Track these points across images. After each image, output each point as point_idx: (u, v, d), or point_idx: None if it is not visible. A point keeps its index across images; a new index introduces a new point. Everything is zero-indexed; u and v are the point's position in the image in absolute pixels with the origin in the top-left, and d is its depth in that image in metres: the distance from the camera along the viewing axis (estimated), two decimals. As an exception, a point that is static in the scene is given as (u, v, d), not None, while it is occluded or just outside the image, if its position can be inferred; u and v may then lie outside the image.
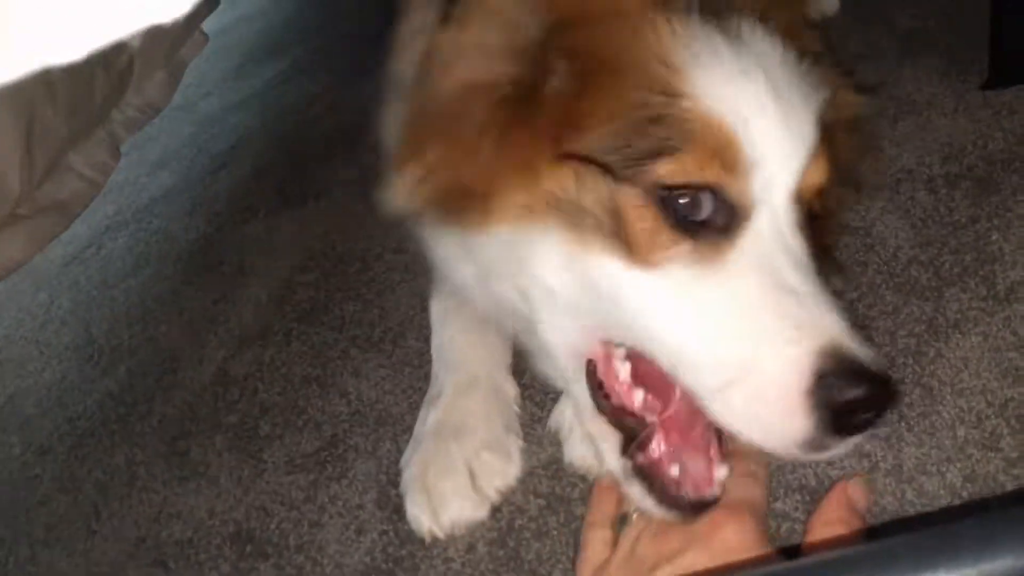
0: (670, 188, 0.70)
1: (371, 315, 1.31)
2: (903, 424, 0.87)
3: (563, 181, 0.73)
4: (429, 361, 1.14)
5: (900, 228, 1.06)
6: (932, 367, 0.91)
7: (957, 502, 0.79)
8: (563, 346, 0.82)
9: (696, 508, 0.75)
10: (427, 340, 1.15)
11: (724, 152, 0.70)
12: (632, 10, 0.73)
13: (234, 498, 1.11)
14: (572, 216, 0.74)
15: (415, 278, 1.29)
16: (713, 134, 0.70)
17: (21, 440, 1.34)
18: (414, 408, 1.11)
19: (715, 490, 0.76)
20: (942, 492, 0.80)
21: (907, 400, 0.89)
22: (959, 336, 0.93)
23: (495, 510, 0.95)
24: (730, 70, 0.71)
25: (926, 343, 0.93)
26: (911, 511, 0.80)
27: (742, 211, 0.72)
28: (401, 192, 0.79)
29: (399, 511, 0.99)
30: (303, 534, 1.02)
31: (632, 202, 0.71)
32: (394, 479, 1.03)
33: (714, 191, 0.71)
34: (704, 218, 0.71)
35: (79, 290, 1.66)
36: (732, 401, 0.70)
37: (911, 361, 0.92)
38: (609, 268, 0.73)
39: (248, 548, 1.04)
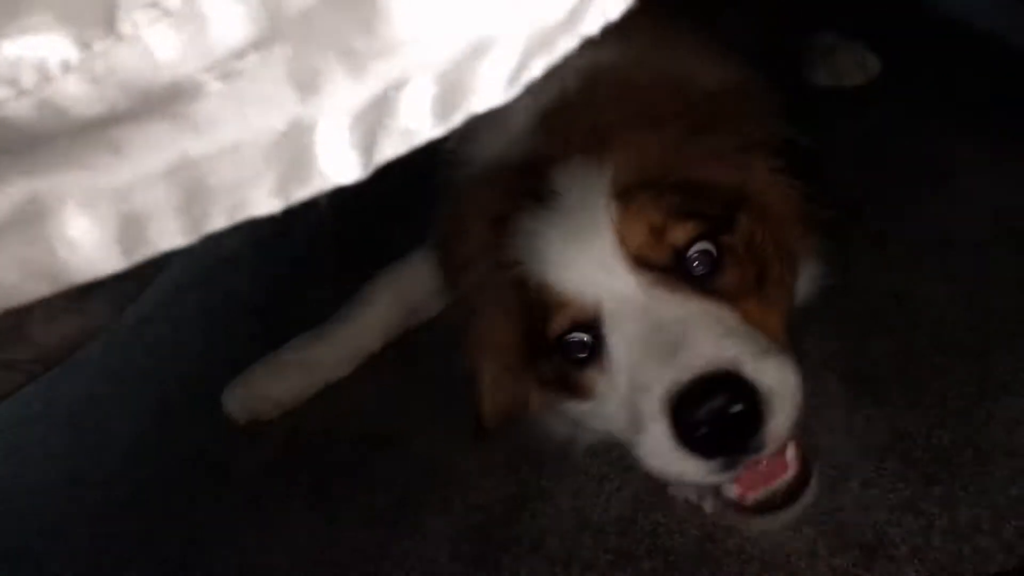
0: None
1: (439, 372, 1.37)
2: (957, 483, 0.91)
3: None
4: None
5: (946, 292, 1.11)
6: (984, 428, 0.95)
7: (1013, 559, 0.83)
8: None
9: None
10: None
11: (560, 304, 0.90)
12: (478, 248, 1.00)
13: (309, 556, 1.16)
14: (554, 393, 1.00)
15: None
16: (549, 296, 0.91)
17: (105, 497, 1.41)
18: (483, 466, 1.17)
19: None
20: (997, 549, 0.84)
21: (959, 460, 0.93)
22: (1009, 397, 0.97)
23: (565, 564, 1.00)
24: (541, 242, 0.92)
25: (976, 404, 0.97)
26: (968, 568, 0.84)
27: (594, 329, 0.90)
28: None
29: (473, 563, 1.05)
30: (380, 588, 1.08)
31: (555, 372, 0.96)
32: (465, 533, 1.09)
33: (577, 331, 0.90)
34: (584, 355, 0.91)
35: (152, 351, 1.74)
36: (644, 456, 0.84)
37: (962, 423, 0.96)
38: (576, 407, 0.97)
39: (327, 602, 1.09)
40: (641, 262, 0.88)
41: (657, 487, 1.03)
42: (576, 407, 0.97)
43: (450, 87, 0.34)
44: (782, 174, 1.00)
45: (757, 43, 1.32)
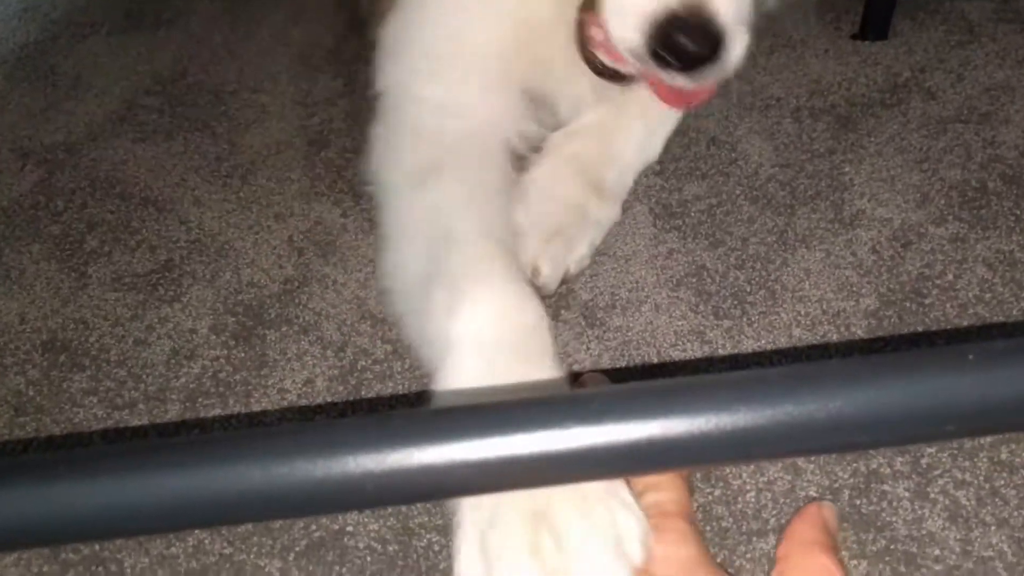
0: None
1: (220, 149, 1.24)
2: (745, 320, 0.92)
3: None
4: (278, 202, 1.11)
5: (764, 148, 1.11)
6: (777, 274, 0.96)
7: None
8: None
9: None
10: (278, 181, 1.13)
11: None
12: None
13: (50, 307, 1.03)
14: None
15: (271, 120, 1.25)
16: None
17: None
18: (259, 244, 1.07)
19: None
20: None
21: (751, 299, 0.94)
22: (805, 250, 0.98)
23: (339, 348, 0.94)
24: None
25: (775, 252, 0.98)
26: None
27: None
28: None
29: (236, 338, 0.96)
30: (126, 351, 0.97)
31: None
32: (231, 308, 1.00)
33: None
34: None
35: None
36: None
37: (759, 266, 0.97)
38: None
39: (62, 358, 0.97)
40: None
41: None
42: None
43: None
44: None
45: None
